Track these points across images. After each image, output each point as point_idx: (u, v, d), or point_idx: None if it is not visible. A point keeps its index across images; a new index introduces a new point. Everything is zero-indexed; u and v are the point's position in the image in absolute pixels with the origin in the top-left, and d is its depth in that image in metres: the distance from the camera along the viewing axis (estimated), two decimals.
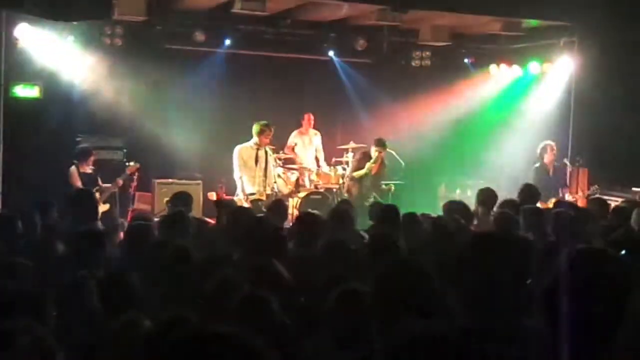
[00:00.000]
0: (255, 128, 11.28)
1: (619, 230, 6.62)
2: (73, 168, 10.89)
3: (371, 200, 11.86)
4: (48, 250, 5.23)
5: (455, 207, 7.77)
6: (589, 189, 11.59)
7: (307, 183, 13.00)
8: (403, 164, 12.82)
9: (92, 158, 11.08)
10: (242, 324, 3.36)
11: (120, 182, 11.04)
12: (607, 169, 12.03)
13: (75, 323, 3.85)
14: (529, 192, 8.70)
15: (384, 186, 12.65)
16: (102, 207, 10.53)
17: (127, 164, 11.34)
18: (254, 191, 11.19)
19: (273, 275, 4.41)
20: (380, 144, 12.32)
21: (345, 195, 12.20)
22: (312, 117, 13.29)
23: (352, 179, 12.44)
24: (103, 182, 10.89)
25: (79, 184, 10.66)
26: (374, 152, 12.38)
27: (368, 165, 12.29)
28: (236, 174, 11.21)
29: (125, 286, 4.27)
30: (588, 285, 2.38)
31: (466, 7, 11.94)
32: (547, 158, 11.58)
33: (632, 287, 2.44)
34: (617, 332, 2.38)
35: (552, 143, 11.82)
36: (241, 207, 8.41)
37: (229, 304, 3.68)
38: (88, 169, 10.98)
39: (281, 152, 12.73)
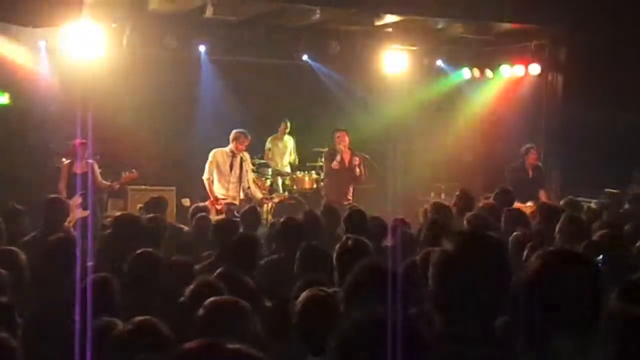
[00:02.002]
0: (231, 135, 11.23)
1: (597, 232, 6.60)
2: (66, 165, 10.64)
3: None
4: (12, 259, 5.07)
5: (439, 209, 7.79)
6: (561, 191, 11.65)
7: (280, 188, 12.96)
8: (377, 167, 12.83)
9: (87, 152, 10.47)
10: (215, 330, 3.33)
11: (117, 186, 10.92)
12: (579, 171, 12.10)
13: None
14: (504, 195, 8.73)
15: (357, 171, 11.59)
16: (83, 213, 10.38)
17: (125, 173, 11.10)
18: (226, 196, 11.13)
19: (237, 283, 4.38)
20: (337, 130, 11.62)
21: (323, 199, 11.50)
22: (288, 124, 13.28)
23: (328, 176, 11.82)
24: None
25: (62, 185, 10.38)
26: (336, 141, 11.58)
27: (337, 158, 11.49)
28: (205, 175, 11.13)
29: (106, 293, 4.19)
30: (556, 285, 2.39)
31: (437, 12, 11.98)
32: (529, 160, 11.63)
33: (602, 289, 2.46)
34: (588, 333, 2.39)
35: (535, 146, 11.88)
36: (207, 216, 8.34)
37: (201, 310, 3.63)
38: (79, 169, 10.58)
39: (255, 157, 12.70)
